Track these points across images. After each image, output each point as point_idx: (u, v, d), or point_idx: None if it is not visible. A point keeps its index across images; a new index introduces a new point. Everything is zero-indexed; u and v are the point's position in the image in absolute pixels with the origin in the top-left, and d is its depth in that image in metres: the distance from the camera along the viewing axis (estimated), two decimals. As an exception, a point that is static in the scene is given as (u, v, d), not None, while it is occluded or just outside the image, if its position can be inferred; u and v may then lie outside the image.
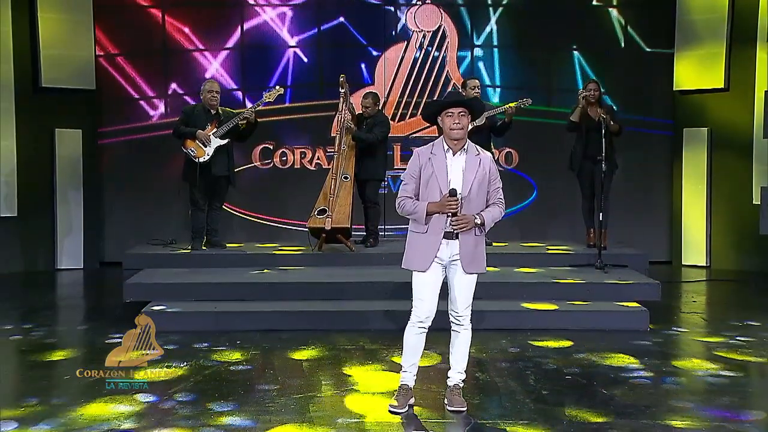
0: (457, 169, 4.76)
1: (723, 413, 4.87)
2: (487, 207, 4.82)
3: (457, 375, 4.99)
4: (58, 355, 6.29)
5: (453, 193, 4.65)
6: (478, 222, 4.73)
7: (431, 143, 4.90)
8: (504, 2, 11.18)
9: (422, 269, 4.77)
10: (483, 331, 6.82)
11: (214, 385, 5.37)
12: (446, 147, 4.80)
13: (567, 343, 6.58)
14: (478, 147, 4.91)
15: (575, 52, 11.17)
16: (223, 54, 11.07)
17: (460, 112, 4.74)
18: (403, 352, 4.95)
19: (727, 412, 4.89)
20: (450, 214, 4.67)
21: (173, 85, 11.02)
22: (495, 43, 11.22)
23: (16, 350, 6.55)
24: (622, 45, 11.20)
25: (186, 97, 10.78)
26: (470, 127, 8.48)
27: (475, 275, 4.86)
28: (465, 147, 4.81)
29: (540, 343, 6.57)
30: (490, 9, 11.19)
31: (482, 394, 5.24)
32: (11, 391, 5.43)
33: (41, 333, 7.02)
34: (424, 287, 4.80)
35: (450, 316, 4.92)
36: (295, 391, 5.24)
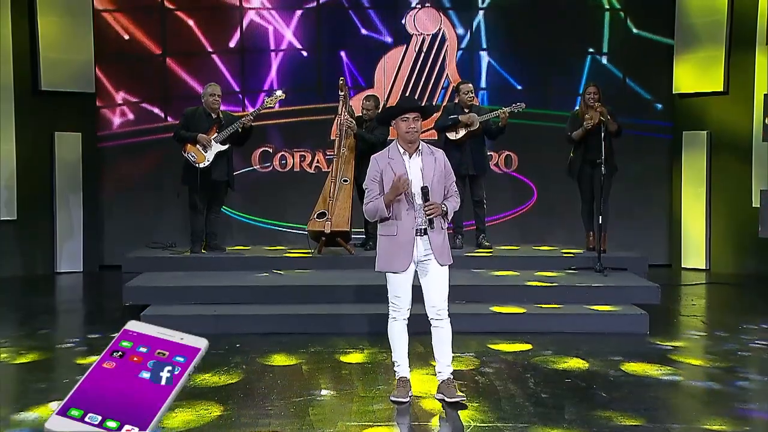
0: (415, 169, 5.02)
1: (724, 416, 4.87)
2: (446, 199, 5.08)
3: (446, 369, 5.15)
4: (55, 359, 6.29)
5: (425, 191, 4.89)
6: (444, 209, 4.99)
7: (387, 148, 5.22)
8: (504, 5, 11.19)
9: (402, 270, 5.00)
10: (482, 334, 6.84)
11: (213, 389, 5.38)
12: (402, 150, 5.08)
13: (566, 346, 6.58)
14: (430, 146, 5.20)
15: (574, 55, 11.18)
16: (223, 56, 11.08)
17: (414, 117, 5.03)
18: (392, 347, 5.19)
19: (728, 416, 4.89)
20: (416, 204, 4.93)
21: (173, 88, 11.03)
22: (494, 46, 11.23)
23: (13, 353, 6.54)
24: (621, 48, 11.21)
25: (186, 100, 10.78)
26: (463, 133, 8.66)
27: (447, 267, 5.07)
28: (419, 148, 5.08)
29: (539, 346, 6.57)
30: (490, 12, 11.20)
31: (481, 398, 5.24)
32: (9, 396, 5.43)
33: (40, 336, 7.02)
34: (400, 286, 5.05)
35: (429, 313, 5.11)
36: (294, 395, 5.25)
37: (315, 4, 11.20)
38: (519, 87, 11.02)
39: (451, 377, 5.14)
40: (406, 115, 5.02)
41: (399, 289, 5.04)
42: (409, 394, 5.13)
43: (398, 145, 5.09)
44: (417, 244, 4.98)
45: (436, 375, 5.20)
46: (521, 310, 7.28)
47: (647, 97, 11.24)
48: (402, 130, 5.04)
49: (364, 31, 11.19)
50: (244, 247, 9.77)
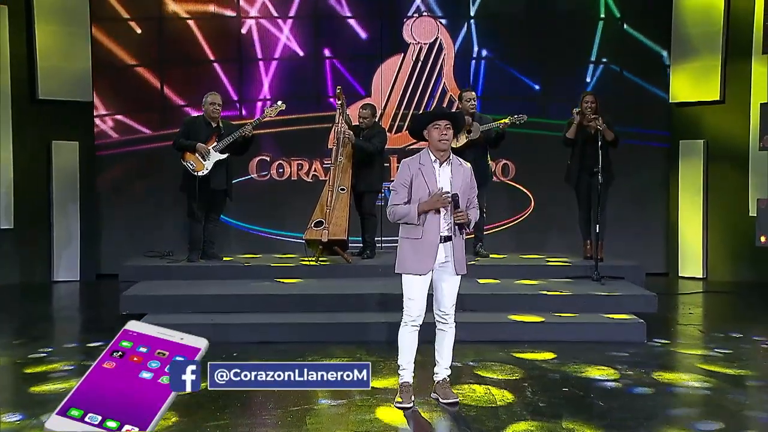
0: (445, 177, 5.06)
1: (722, 424, 4.87)
2: (467, 210, 5.11)
3: (444, 371, 5.26)
4: (52, 368, 6.27)
5: (455, 198, 4.92)
6: (469, 219, 5.05)
7: (417, 154, 5.22)
8: (501, 14, 11.22)
9: (423, 272, 5.04)
10: (480, 343, 6.84)
11: (211, 398, 5.36)
12: (433, 158, 5.10)
13: (564, 355, 6.57)
14: (459, 158, 5.25)
15: (571, 64, 11.20)
16: (222, 65, 11.09)
17: (446, 125, 5.05)
18: (400, 351, 5.21)
19: (726, 424, 4.88)
20: (443, 211, 4.97)
21: (171, 97, 11.03)
22: (492, 54, 11.26)
23: (10, 362, 6.53)
24: (618, 57, 11.24)
25: (184, 109, 10.80)
26: (465, 140, 8.66)
27: (460, 276, 5.15)
28: (449, 158, 5.12)
29: (537, 356, 6.56)
30: (488, 21, 11.22)
31: (479, 406, 5.24)
32: (5, 403, 5.41)
33: (36, 345, 7.00)
34: (416, 289, 5.07)
35: (436, 316, 5.21)
36: (291, 404, 5.23)
37: (312, 13, 11.23)
38: (516, 96, 11.02)
39: (448, 379, 5.25)
40: (438, 122, 5.06)
41: (415, 291, 5.07)
42: (412, 400, 5.17)
43: (429, 153, 5.12)
44: (441, 250, 5.04)
45: (433, 375, 5.28)
46: (539, 319, 7.28)
47: (644, 106, 11.24)
48: (435, 138, 5.05)
49: (361, 40, 11.21)
50: (253, 255, 9.73)
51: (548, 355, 6.57)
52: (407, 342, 5.16)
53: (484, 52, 11.27)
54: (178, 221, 9.99)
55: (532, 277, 8.59)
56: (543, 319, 7.33)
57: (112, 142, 11.05)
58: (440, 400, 5.20)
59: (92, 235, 10.88)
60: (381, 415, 5.02)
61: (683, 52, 10.92)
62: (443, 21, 11.24)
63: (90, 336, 7.46)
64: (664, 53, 11.09)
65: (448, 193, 4.95)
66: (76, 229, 10.72)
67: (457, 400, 5.19)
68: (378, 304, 7.46)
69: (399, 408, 5.09)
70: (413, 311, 5.10)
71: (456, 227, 4.99)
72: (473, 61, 11.27)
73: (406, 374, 5.19)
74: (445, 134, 5.02)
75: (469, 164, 5.27)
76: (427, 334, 5.24)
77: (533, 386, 5.72)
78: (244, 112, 10.96)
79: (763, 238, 8.53)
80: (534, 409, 5.19)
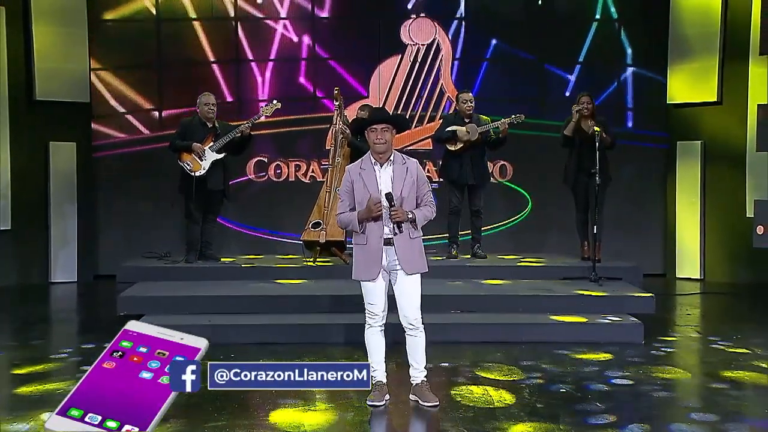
0: (386, 179, 5.14)
1: (719, 426, 4.87)
2: (417, 207, 5.16)
3: (420, 373, 5.28)
4: (49, 369, 6.26)
5: (389, 197, 4.99)
6: (411, 217, 5.05)
7: (360, 159, 5.30)
8: (499, 15, 11.22)
9: (372, 278, 5.13)
10: (477, 344, 6.84)
11: (208, 400, 5.35)
12: (373, 160, 5.19)
13: (561, 356, 6.58)
14: (403, 156, 5.30)
15: (568, 65, 11.21)
16: (219, 66, 11.09)
17: (382, 128, 5.13)
18: (368, 353, 5.31)
19: (723, 425, 4.89)
20: (384, 215, 5.02)
21: (168, 98, 11.03)
22: (489, 56, 11.26)
23: (7, 364, 6.52)
24: (616, 57, 11.25)
25: (180, 110, 10.79)
26: (460, 145, 8.66)
27: (418, 276, 5.16)
28: (391, 158, 5.20)
29: (534, 356, 6.56)
30: (485, 22, 11.22)
31: (476, 407, 5.24)
32: (2, 405, 5.40)
33: (33, 347, 6.99)
34: (373, 294, 5.18)
35: (403, 322, 5.23)
36: (290, 405, 5.23)
37: (310, 13, 11.23)
38: (513, 97, 11.00)
39: (425, 380, 5.27)
40: (374, 126, 5.14)
41: (372, 296, 5.18)
42: (385, 398, 5.22)
43: (370, 156, 5.21)
44: (385, 253, 5.10)
45: (410, 378, 5.30)
46: (536, 320, 7.27)
47: (641, 107, 11.25)
48: (371, 140, 5.16)
49: (359, 41, 11.20)
50: (251, 257, 9.72)
51: (545, 356, 6.56)
52: (374, 343, 5.26)
53: (482, 53, 11.26)
54: (176, 222, 9.98)
55: (529, 277, 8.59)
56: (540, 320, 7.33)
57: (110, 143, 11.04)
58: (420, 402, 5.21)
59: (90, 236, 10.87)
60: (379, 416, 5.02)
61: (681, 53, 10.93)
62: (443, 22, 11.23)
63: (87, 337, 7.44)
64: (662, 53, 11.07)
65: (389, 195, 5.00)
66: (73, 230, 10.70)
67: (437, 402, 5.18)
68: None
69: (371, 406, 5.14)
70: (375, 313, 5.20)
71: (395, 226, 5.01)
72: (471, 63, 11.26)
73: (378, 374, 5.25)
74: (380, 137, 5.09)
75: (414, 160, 5.32)
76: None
77: (531, 387, 5.72)
78: (241, 113, 10.94)
79: (760, 229, 8.52)
80: (532, 410, 5.19)
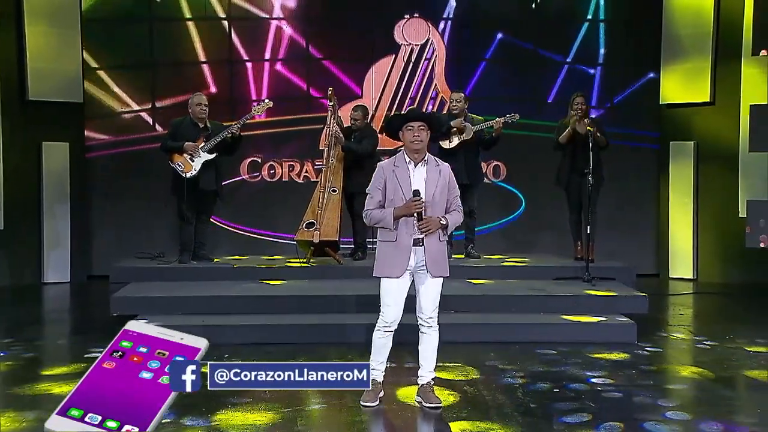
0: (419, 179, 5.08)
1: (712, 426, 4.88)
2: (447, 213, 5.11)
3: (428, 374, 5.23)
4: (42, 370, 6.25)
5: (416, 193, 4.95)
6: (443, 223, 5.02)
7: (393, 156, 5.28)
8: (493, 15, 11.22)
9: (396, 276, 5.05)
10: (471, 344, 6.85)
11: (201, 400, 5.34)
12: (408, 159, 5.13)
13: (555, 357, 6.59)
14: (437, 159, 5.25)
15: (563, 65, 11.23)
16: (211, 66, 11.07)
17: (419, 126, 5.07)
18: (372, 352, 5.23)
19: (716, 425, 4.90)
20: (416, 216, 4.95)
21: (161, 99, 11.00)
22: (483, 56, 11.26)
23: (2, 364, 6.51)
24: (609, 58, 11.27)
25: (173, 110, 10.76)
26: (456, 141, 8.68)
27: (441, 279, 5.13)
28: (425, 159, 5.13)
29: (527, 357, 6.57)
30: (479, 22, 11.23)
31: (470, 407, 5.24)
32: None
33: (26, 347, 6.97)
34: (392, 293, 5.09)
35: (419, 320, 5.18)
36: (283, 405, 5.22)
37: (303, 13, 11.23)
38: (507, 98, 11.01)
39: (432, 382, 5.23)
40: (411, 124, 5.07)
41: (391, 296, 5.08)
42: (379, 397, 5.20)
43: (404, 155, 5.15)
44: (414, 253, 5.03)
45: (417, 378, 5.26)
46: (530, 320, 7.27)
47: (634, 107, 11.27)
48: (407, 139, 5.08)
49: (352, 41, 11.20)
50: (244, 257, 9.71)
51: (538, 356, 6.57)
52: (379, 344, 5.19)
53: (476, 53, 11.26)
54: (168, 222, 9.97)
55: (522, 278, 8.60)
56: (532, 321, 7.34)
57: (103, 143, 11.01)
58: (423, 403, 5.16)
59: (83, 236, 10.84)
60: (372, 417, 5.02)
61: (673, 54, 10.96)
62: (437, 23, 11.24)
63: (81, 338, 7.42)
64: (655, 54, 11.10)
65: (416, 192, 4.97)
66: (66, 231, 10.67)
67: (440, 404, 5.14)
68: (369, 305, 7.43)
69: (363, 406, 5.11)
70: (388, 317, 5.11)
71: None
72: (465, 63, 11.27)
73: (376, 373, 5.20)
74: (418, 136, 5.04)
75: (448, 165, 5.26)
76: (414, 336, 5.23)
77: (524, 387, 5.73)
78: (234, 113, 10.91)
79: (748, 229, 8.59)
80: (525, 410, 5.20)
